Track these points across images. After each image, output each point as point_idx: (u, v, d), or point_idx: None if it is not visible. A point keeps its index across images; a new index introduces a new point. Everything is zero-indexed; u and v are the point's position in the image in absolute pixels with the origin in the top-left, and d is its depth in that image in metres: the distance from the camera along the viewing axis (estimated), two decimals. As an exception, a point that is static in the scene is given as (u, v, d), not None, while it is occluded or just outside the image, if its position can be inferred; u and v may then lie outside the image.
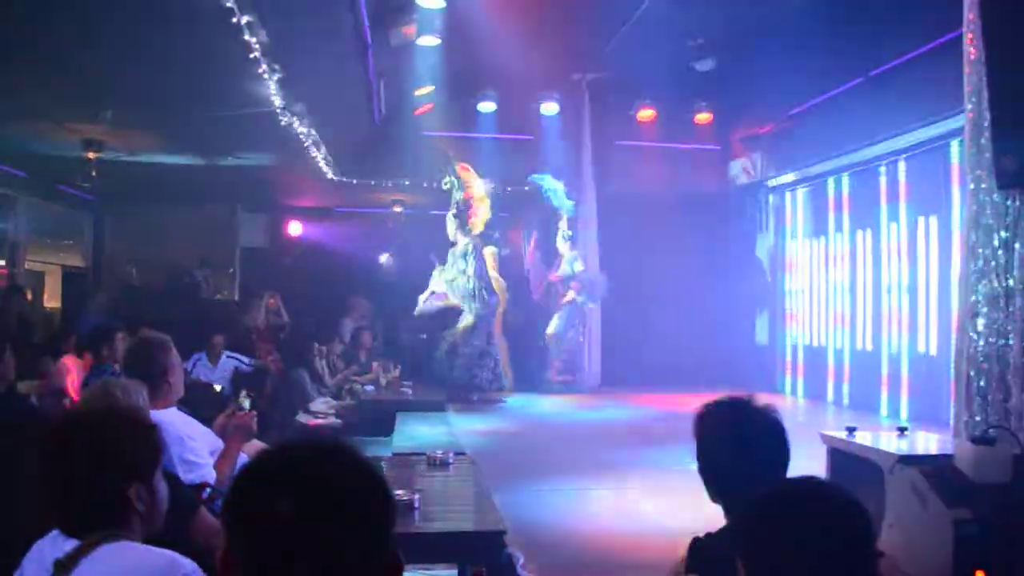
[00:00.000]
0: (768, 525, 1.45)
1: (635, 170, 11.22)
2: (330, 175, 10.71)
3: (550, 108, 11.26)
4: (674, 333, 11.37)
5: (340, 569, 1.07)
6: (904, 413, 9.23)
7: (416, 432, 6.58)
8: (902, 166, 9.55)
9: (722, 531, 2.02)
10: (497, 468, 6.41)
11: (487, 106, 11.19)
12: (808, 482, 1.53)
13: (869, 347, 10.17)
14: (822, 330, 11.29)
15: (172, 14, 5.48)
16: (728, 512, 2.09)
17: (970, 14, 4.59)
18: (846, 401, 10.56)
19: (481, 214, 11.10)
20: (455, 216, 11.20)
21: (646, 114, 11.70)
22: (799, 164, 11.23)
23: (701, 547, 2.00)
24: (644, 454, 7.05)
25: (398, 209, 13.26)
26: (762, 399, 2.12)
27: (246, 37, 5.82)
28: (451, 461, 4.75)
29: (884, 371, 9.77)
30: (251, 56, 6.23)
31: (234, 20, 5.53)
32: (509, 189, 12.26)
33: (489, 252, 11.33)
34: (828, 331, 11.14)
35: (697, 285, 11.81)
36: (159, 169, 10.18)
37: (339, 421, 7.11)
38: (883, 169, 9.90)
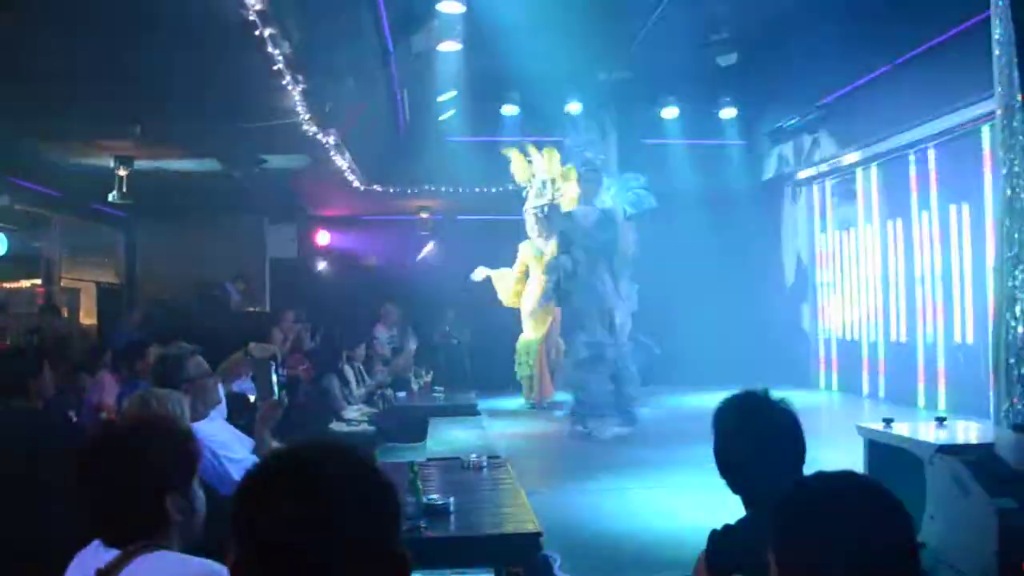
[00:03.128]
0: (804, 519, 1.42)
1: (662, 167, 11.14)
2: (356, 183, 10.76)
3: (575, 108, 11.22)
4: (708, 330, 11.27)
5: (345, 570, 1.07)
6: (942, 404, 9.09)
7: (450, 436, 6.60)
8: (932, 153, 9.41)
9: (741, 522, 2.03)
10: (532, 470, 6.43)
11: (510, 109, 11.20)
12: (844, 476, 1.51)
13: (904, 339, 10.03)
14: (855, 323, 11.15)
15: (197, 29, 5.55)
16: (747, 504, 2.12)
17: (998, -3, 4.51)
18: (882, 394, 10.42)
19: (570, 194, 10.25)
20: (542, 211, 10.44)
21: (671, 111, 11.65)
22: (828, 155, 11.11)
23: (720, 539, 2.01)
24: (679, 452, 7.00)
25: (424, 215, 13.30)
26: (778, 394, 2.16)
27: (269, 49, 5.86)
28: (485, 464, 4.76)
29: (920, 362, 9.63)
30: (275, 68, 6.28)
31: (257, 33, 5.58)
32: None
33: None
34: (862, 323, 11.00)
35: (729, 281, 11.72)
36: (188, 183, 10.30)
37: (372, 428, 7.14)
38: (912, 157, 9.77)
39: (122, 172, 8.52)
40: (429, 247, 13.79)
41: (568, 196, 10.18)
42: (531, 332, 10.83)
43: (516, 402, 10.97)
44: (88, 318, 12.30)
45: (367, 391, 8.33)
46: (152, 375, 3.34)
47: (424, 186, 11.86)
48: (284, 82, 6.61)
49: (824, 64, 9.14)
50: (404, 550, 1.13)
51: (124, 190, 8.63)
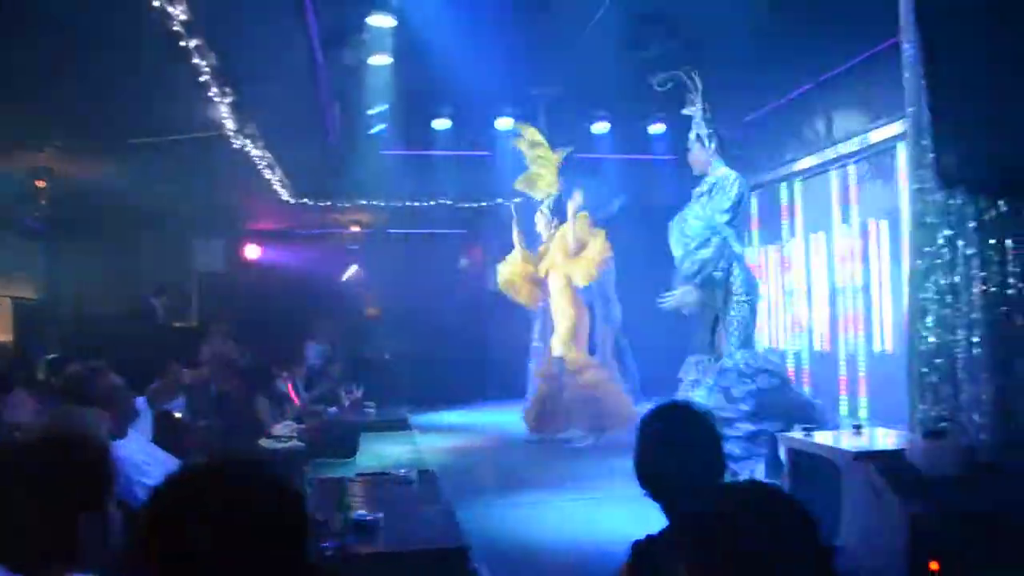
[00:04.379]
0: (713, 533, 1.46)
1: (593, 183, 11.27)
2: (286, 197, 10.65)
3: (505, 124, 11.29)
4: (644, 344, 11.42)
5: None
6: (864, 412, 9.38)
7: (381, 451, 6.60)
8: (852, 170, 9.75)
9: (663, 532, 2.06)
10: (462, 484, 6.42)
11: (442, 123, 11.20)
12: (750, 486, 1.56)
13: (827, 348, 10.33)
14: (780, 334, 11.43)
15: (119, 38, 5.45)
16: (668, 514, 2.16)
17: (905, 19, 4.71)
18: (807, 403, 10.67)
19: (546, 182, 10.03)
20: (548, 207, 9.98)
21: (602, 126, 11.79)
22: (751, 172, 11.39)
23: (642, 549, 2.04)
24: (609, 463, 7.09)
25: (356, 229, 13.22)
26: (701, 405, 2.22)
27: (195, 60, 5.79)
28: (415, 479, 4.76)
29: (842, 371, 9.92)
30: (201, 80, 6.21)
31: (182, 44, 5.51)
32: (466, 205, 12.30)
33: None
34: (787, 335, 11.29)
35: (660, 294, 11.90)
36: (111, 196, 10.06)
37: (302, 444, 7.05)
38: (834, 174, 10.09)
39: (40, 184, 8.28)
40: (352, 269, 13.73)
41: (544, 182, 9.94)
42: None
43: (457, 416, 10.97)
44: (3, 334, 11.87)
45: (299, 407, 8.23)
46: (64, 393, 3.25)
47: (356, 200, 11.79)
48: (211, 93, 6.54)
49: (749, 82, 9.41)
50: (316, 565, 1.14)
51: (43, 203, 8.39)
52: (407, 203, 12.35)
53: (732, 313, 6.41)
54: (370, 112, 10.14)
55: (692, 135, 7.04)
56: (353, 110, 9.87)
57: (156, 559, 1.08)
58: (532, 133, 10.11)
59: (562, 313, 9.32)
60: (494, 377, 12.12)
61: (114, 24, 5.28)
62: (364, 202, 11.90)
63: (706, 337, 6.63)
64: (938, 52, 4.15)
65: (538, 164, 10.10)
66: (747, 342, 6.59)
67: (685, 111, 7.22)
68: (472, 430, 9.93)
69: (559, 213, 9.53)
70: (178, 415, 6.74)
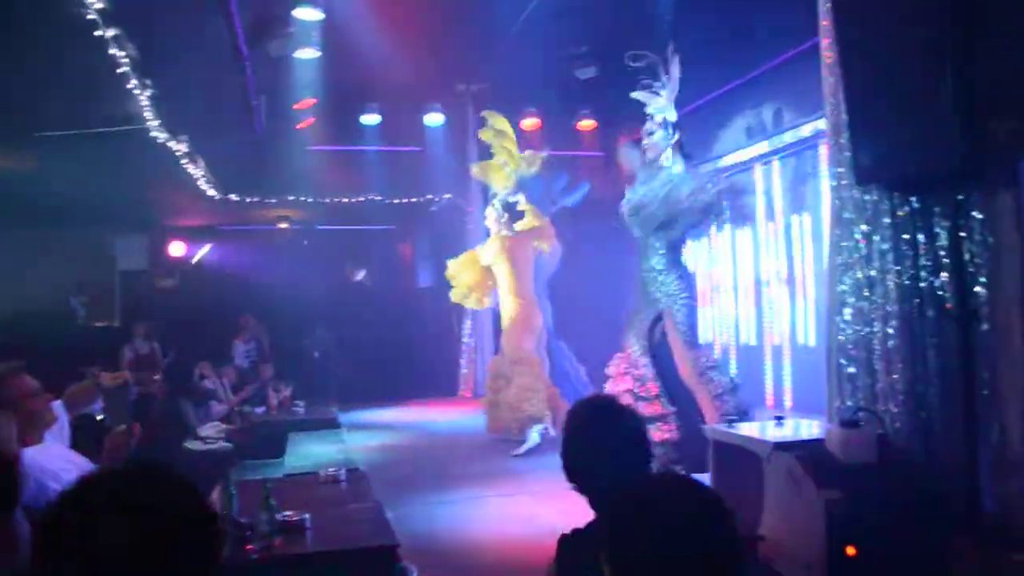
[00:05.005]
0: (629, 524, 1.50)
1: (535, 183, 11.32)
2: (211, 192, 10.43)
3: (435, 119, 11.25)
4: (572, 341, 11.50)
5: None
6: (788, 403, 9.62)
7: (310, 451, 6.51)
8: (776, 166, 9.98)
9: (589, 526, 2.09)
10: (392, 482, 6.41)
11: (371, 118, 11.11)
12: (666, 479, 1.60)
13: (753, 342, 10.57)
14: (710, 327, 11.65)
15: (29, 27, 5.26)
16: (594, 507, 2.20)
17: (824, 20, 4.85)
18: (734, 395, 10.91)
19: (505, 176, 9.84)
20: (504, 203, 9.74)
21: (531, 122, 11.82)
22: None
23: (569, 543, 2.07)
24: (538, 459, 7.13)
25: (284, 225, 13.03)
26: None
27: (112, 51, 5.62)
28: (343, 478, 4.72)
29: (768, 364, 10.16)
30: (119, 71, 6.03)
31: (98, 33, 5.34)
32: (396, 201, 12.23)
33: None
34: (715, 328, 11.51)
35: (589, 291, 12.01)
36: (28, 191, 9.71)
37: (229, 445, 6.93)
38: (759, 169, 10.32)
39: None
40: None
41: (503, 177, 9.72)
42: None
43: (388, 414, 10.89)
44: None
45: (227, 407, 8.09)
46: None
47: (284, 196, 11.62)
48: (130, 85, 6.36)
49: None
50: (227, 569, 1.13)
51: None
52: (336, 199, 12.21)
53: (676, 315, 6.44)
54: (297, 107, 10.01)
55: (658, 119, 6.80)
56: (280, 104, 9.73)
57: (58, 563, 1.06)
58: (501, 122, 9.99)
59: (506, 306, 9.30)
60: (425, 374, 12.10)
61: (26, 11, 5.10)
62: (292, 198, 11.74)
63: (642, 335, 6.62)
64: (853, 53, 4.28)
65: (503, 155, 10.01)
66: (694, 342, 6.64)
67: (638, 95, 6.92)
68: (403, 428, 9.89)
69: (511, 210, 9.50)
70: (100, 418, 6.57)
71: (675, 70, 6.63)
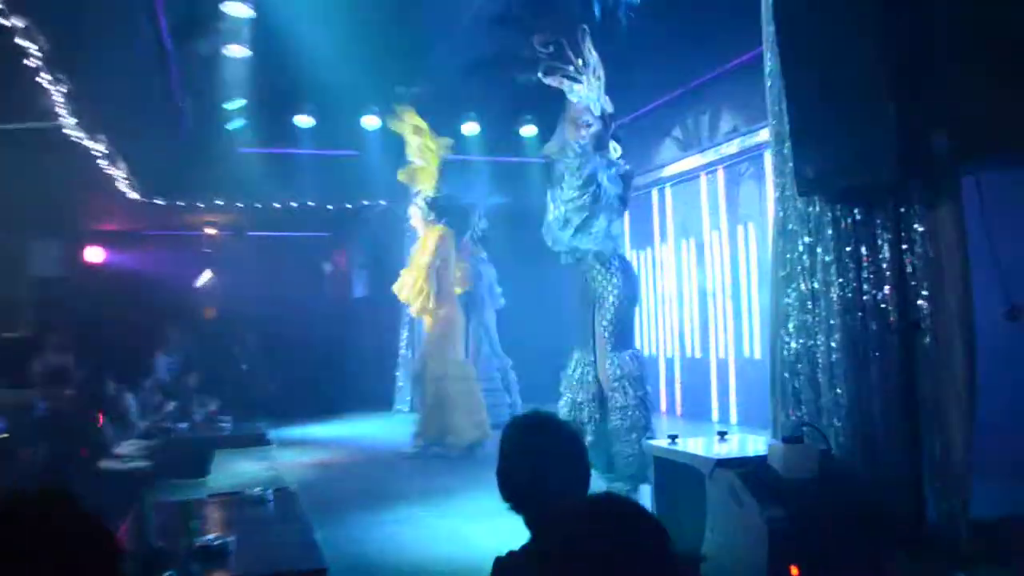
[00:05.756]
0: (563, 548, 1.50)
1: (463, 185, 11.31)
2: (133, 195, 10.19)
3: (372, 122, 11.18)
4: (514, 351, 11.51)
5: None
6: (733, 418, 9.77)
7: (235, 470, 6.42)
8: (721, 175, 10.15)
9: (524, 548, 2.08)
10: (323, 501, 6.30)
11: (305, 120, 10.99)
12: (603, 500, 1.60)
13: (698, 354, 10.71)
14: (653, 340, 11.77)
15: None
16: (530, 527, 2.19)
17: (767, 28, 4.93)
18: (679, 410, 11.04)
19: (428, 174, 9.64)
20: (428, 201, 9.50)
21: (471, 127, 11.83)
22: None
23: (504, 565, 2.05)
24: (474, 477, 7.11)
25: (212, 231, 12.81)
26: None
27: (21, 42, 5.44)
28: (270, 498, 4.63)
29: (713, 377, 10.31)
30: (30, 64, 5.85)
31: (2, 22, 5.16)
32: (331, 207, 12.13)
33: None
34: (660, 340, 11.63)
35: (530, 299, 12.05)
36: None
37: (148, 464, 6.75)
38: (704, 178, 10.49)
39: None
40: (206, 275, 13.32)
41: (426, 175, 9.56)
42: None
43: (319, 429, 10.80)
44: None
45: (147, 424, 7.90)
46: None
47: (212, 200, 11.42)
48: (41, 80, 6.17)
49: (619, 83, 9.61)
50: None
51: None
52: (268, 204, 12.05)
53: (606, 310, 6.30)
54: (227, 107, 9.85)
55: (595, 109, 6.58)
56: (208, 104, 9.57)
57: None
58: (414, 117, 9.92)
59: (429, 314, 9.23)
60: (359, 388, 11.98)
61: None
62: (221, 202, 11.55)
63: (587, 334, 6.48)
64: (796, 63, 4.37)
65: (421, 154, 9.91)
66: (619, 344, 6.42)
67: (552, 81, 6.68)
68: (335, 444, 9.76)
69: (436, 207, 9.41)
70: (5, 436, 6.34)
71: (590, 54, 6.46)
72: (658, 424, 10.29)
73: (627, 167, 6.67)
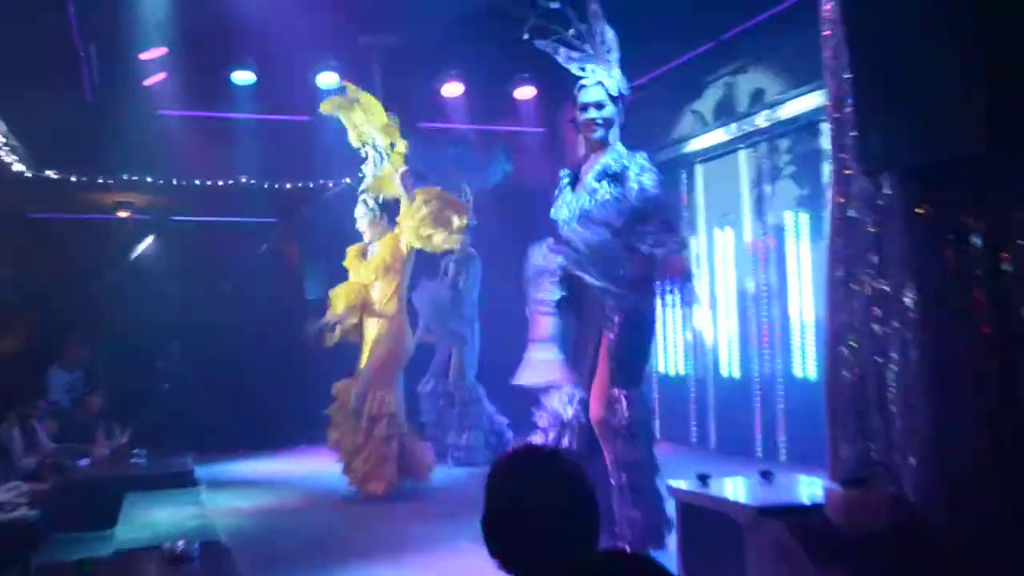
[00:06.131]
0: None
1: (442, 158, 11.27)
2: (19, 168, 10.13)
3: (329, 80, 11.13)
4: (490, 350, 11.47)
5: None
6: (781, 453, 9.73)
7: (152, 518, 6.35)
8: (766, 150, 10.13)
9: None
10: (263, 557, 6.31)
11: (244, 76, 10.94)
12: (615, 559, 1.58)
13: (736, 374, 10.68)
14: (679, 356, 11.74)
15: None
16: None
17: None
18: (713, 443, 11.01)
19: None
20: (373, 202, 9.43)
21: (454, 87, 11.84)
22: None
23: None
24: (454, 524, 7.11)
25: (124, 214, 12.74)
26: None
27: None
28: (196, 555, 4.64)
29: (757, 403, 10.27)
30: None
31: None
32: (278, 186, 12.11)
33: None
34: (686, 357, 11.60)
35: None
36: None
37: (36, 513, 6.70)
38: (744, 155, 10.50)
39: None
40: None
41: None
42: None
43: (262, 465, 10.72)
44: None
45: (35, 460, 7.87)
46: None
47: (123, 175, 11.38)
48: None
49: (631, 39, 9.54)
50: None
51: None
52: (198, 181, 12.00)
53: (614, 326, 6.20)
54: (144, 57, 9.79)
55: (610, 86, 6.46)
56: (119, 55, 9.53)
57: None
58: (376, 106, 9.70)
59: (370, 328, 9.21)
60: (313, 412, 11.87)
61: None
62: (136, 178, 11.49)
63: (581, 368, 6.40)
64: (861, 3, 4.32)
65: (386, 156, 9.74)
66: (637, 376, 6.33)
67: (547, 45, 6.58)
68: (281, 484, 9.76)
69: (390, 209, 9.29)
70: None
71: (600, 26, 6.36)
72: (686, 460, 10.33)
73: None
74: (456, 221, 8.93)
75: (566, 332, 6.21)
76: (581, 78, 6.18)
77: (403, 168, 9.08)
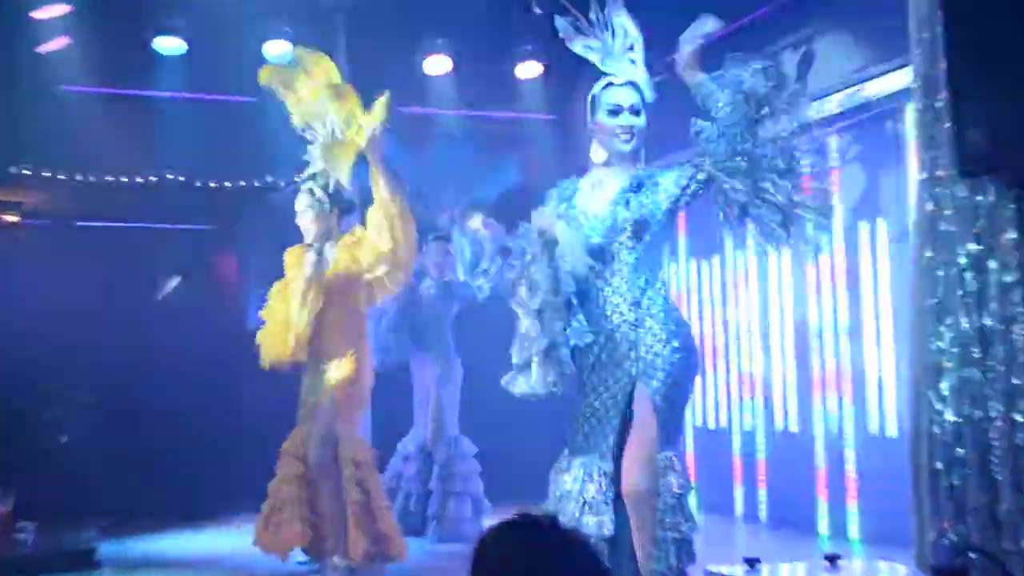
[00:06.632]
0: None
1: (424, 149, 11.26)
2: None
3: (281, 50, 11.13)
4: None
5: None
6: (852, 530, 9.65)
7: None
8: (832, 143, 10.10)
9: None
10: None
11: (171, 44, 10.92)
12: None
13: (795, 427, 10.60)
14: (721, 404, 11.68)
15: None
16: None
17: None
18: (764, 515, 10.95)
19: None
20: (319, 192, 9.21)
21: (439, 62, 11.89)
22: (659, 145, 11.62)
23: None
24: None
25: (12, 218, 12.71)
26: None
27: None
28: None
29: (820, 463, 10.19)
30: None
31: None
32: (215, 185, 12.10)
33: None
34: (730, 405, 11.53)
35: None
36: None
37: None
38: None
39: None
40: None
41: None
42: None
43: (185, 541, 10.70)
44: None
45: None
46: None
47: (10, 168, 11.37)
48: None
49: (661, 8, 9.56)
50: None
51: None
52: (110, 177, 11.97)
53: (654, 379, 6.13)
54: (39, 16, 9.78)
55: (645, 90, 6.48)
56: (5, 14, 9.51)
57: None
58: (326, 66, 9.65)
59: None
60: (248, 471, 11.82)
61: None
62: (29, 172, 11.47)
63: (604, 430, 6.32)
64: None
65: (343, 125, 9.63)
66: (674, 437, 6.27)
67: (563, 27, 6.62)
68: (206, 564, 9.73)
69: (339, 199, 9.15)
70: None
71: (619, 15, 6.37)
72: (730, 537, 10.25)
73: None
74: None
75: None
76: (606, 73, 6.19)
77: (376, 126, 8.85)
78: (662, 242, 6.26)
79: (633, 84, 6.10)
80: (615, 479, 5.82)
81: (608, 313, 5.84)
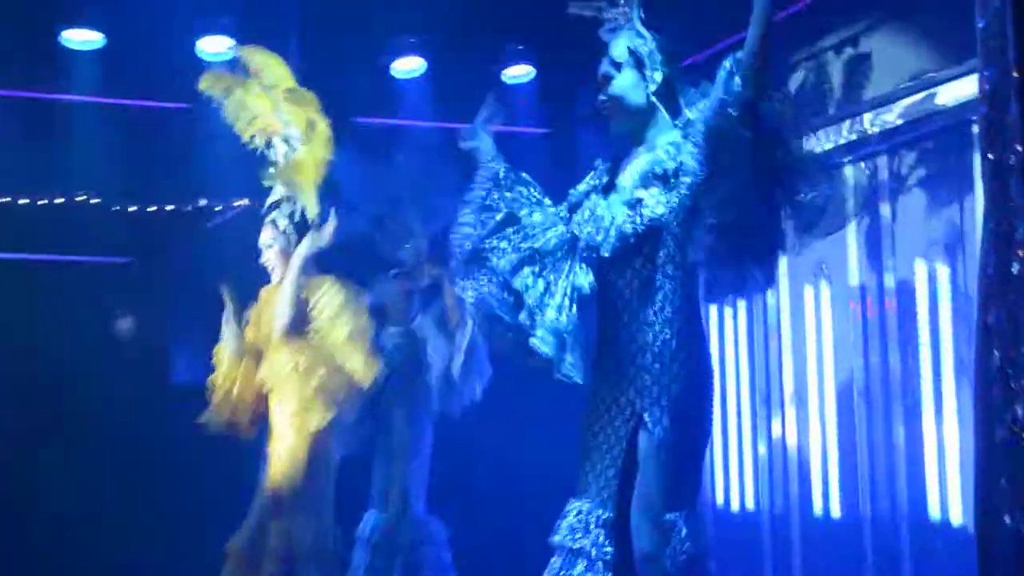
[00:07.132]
0: None
1: (389, 181, 11.29)
2: None
3: (217, 48, 11.16)
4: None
5: None
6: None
7: None
8: (883, 164, 10.14)
9: None
10: None
11: (85, 37, 10.96)
12: None
13: (837, 512, 10.58)
14: (747, 482, 11.65)
15: None
16: None
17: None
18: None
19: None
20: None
21: (410, 65, 12.01)
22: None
23: None
24: None
25: None
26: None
27: None
28: None
29: (871, 556, 10.16)
30: None
31: None
32: (134, 209, 12.17)
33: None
34: (758, 484, 11.50)
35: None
36: None
37: None
38: (851, 172, 10.48)
39: None
40: None
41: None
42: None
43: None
44: None
45: None
46: None
47: None
48: None
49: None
50: None
51: None
52: (8, 198, 11.99)
53: (660, 418, 6.14)
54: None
55: (622, 58, 6.57)
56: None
57: None
58: (272, 64, 9.70)
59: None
60: (206, 539, 11.86)
61: None
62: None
63: (607, 472, 6.34)
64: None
65: (289, 131, 9.69)
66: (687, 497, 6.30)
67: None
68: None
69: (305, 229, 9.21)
70: None
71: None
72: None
73: None
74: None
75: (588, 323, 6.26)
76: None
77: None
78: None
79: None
80: (615, 529, 5.89)
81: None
